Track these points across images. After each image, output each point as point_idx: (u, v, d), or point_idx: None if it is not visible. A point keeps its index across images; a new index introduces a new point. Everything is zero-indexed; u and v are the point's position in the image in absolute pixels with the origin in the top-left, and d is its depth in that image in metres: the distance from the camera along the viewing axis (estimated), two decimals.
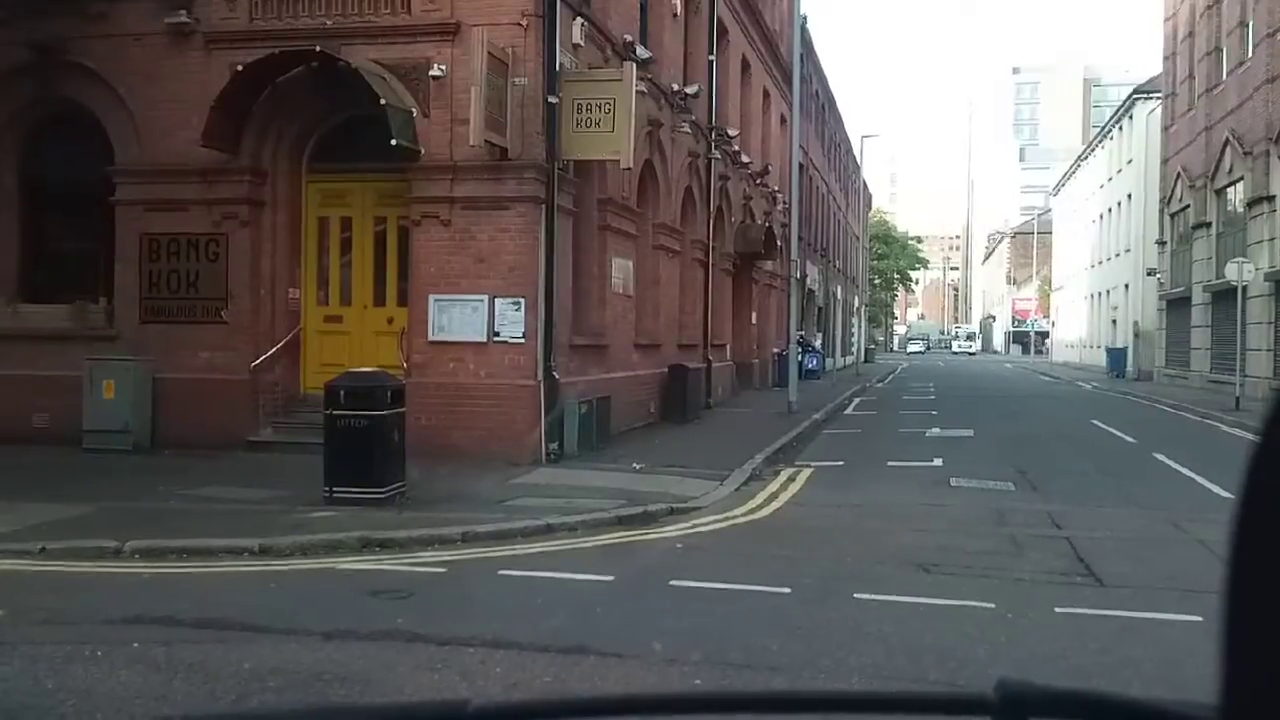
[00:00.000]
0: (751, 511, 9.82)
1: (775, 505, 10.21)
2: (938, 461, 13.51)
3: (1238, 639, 0.61)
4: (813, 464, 13.22)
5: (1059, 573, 7.48)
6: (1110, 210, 45.53)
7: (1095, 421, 19.75)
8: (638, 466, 12.13)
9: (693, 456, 12.98)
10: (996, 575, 7.37)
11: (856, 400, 25.86)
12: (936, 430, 17.67)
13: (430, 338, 12.59)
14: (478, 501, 9.61)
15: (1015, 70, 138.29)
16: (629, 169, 14.48)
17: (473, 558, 7.58)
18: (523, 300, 12.46)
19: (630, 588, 6.79)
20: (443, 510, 9.14)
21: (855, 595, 6.54)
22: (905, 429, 18.19)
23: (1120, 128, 44.23)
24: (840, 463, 13.56)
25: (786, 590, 6.66)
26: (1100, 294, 47.50)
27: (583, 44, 13.65)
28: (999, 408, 23.83)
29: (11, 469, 10.87)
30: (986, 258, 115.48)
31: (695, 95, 18.73)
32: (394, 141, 11.85)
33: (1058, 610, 6.31)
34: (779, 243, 26.70)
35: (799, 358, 27.69)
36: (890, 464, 13.37)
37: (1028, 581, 7.23)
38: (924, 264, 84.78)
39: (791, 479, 11.92)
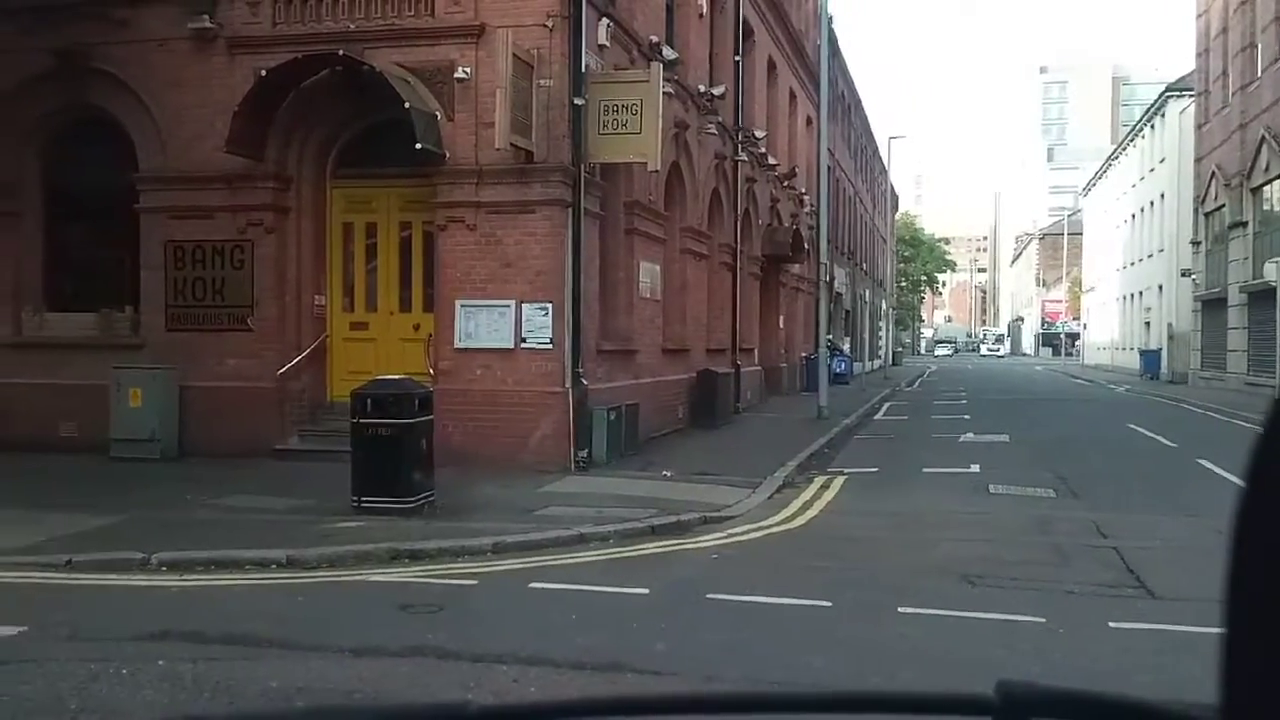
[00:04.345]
0: (786, 520, 9.59)
1: (810, 514, 9.97)
2: (974, 467, 13.21)
3: (1238, 639, 0.61)
4: (846, 471, 12.96)
5: (1108, 584, 7.21)
6: (1142, 210, 44.90)
7: (1132, 425, 19.35)
8: (668, 474, 11.93)
9: (723, 463, 12.76)
10: (1044, 587, 7.11)
11: (887, 405, 25.53)
12: (971, 435, 17.34)
13: (457, 344, 12.45)
14: (507, 511, 9.44)
15: (1043, 70, 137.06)
16: (656, 171, 14.28)
17: (504, 569, 7.40)
18: (550, 305, 12.29)
19: (666, 601, 6.59)
20: (472, 520, 8.98)
21: (899, 609, 6.30)
22: (938, 434, 17.88)
23: (1152, 126, 43.61)
24: (874, 469, 13.29)
25: (827, 604, 6.44)
26: (1133, 295, 46.83)
27: (608, 45, 13.48)
28: (1033, 411, 23.43)
29: (39, 478, 10.81)
30: (1015, 259, 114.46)
31: (721, 96, 18.52)
32: (419, 145, 11.72)
33: (1112, 625, 6.05)
34: (806, 245, 26.41)
35: (828, 362, 27.48)
36: (926, 470, 13.10)
37: (1076, 594, 6.97)
38: (951, 266, 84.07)
39: (825, 486, 11.68)
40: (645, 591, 6.74)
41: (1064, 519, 9.74)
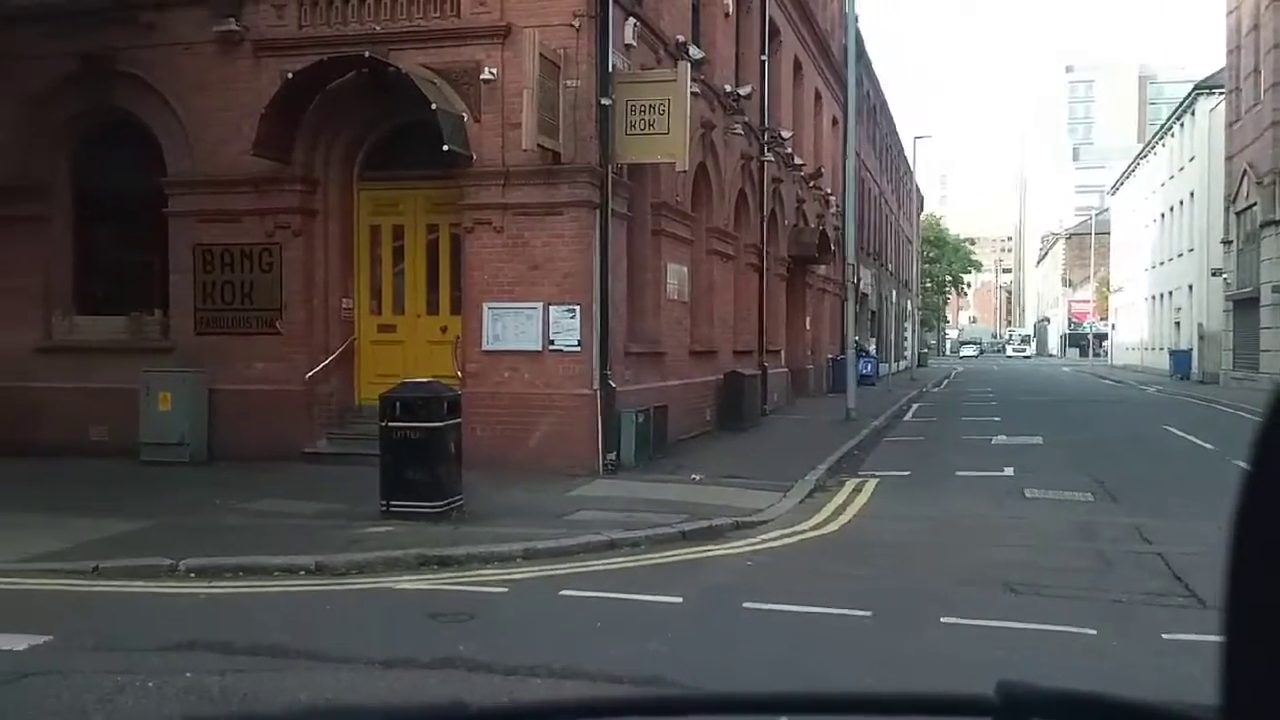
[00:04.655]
0: (819, 525, 9.42)
1: (843, 519, 9.79)
2: (1008, 470, 12.98)
3: (1238, 639, 0.60)
4: (877, 474, 12.76)
5: (1156, 593, 6.99)
6: (1171, 209, 44.30)
7: (1168, 427, 19.01)
8: (697, 478, 11.78)
9: (753, 466, 12.59)
10: (1090, 596, 6.91)
11: (915, 406, 25.26)
12: (1003, 437, 17.07)
13: (484, 347, 12.35)
14: (536, 515, 9.32)
15: (1068, 69, 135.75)
16: (684, 171, 14.13)
17: (534, 576, 7.27)
18: (578, 308, 12.17)
19: (701, 610, 6.43)
20: (501, 524, 8.86)
21: (942, 619, 6.11)
22: (969, 436, 17.62)
23: (1181, 125, 43.03)
24: (906, 472, 13.08)
25: (867, 614, 6.27)
26: (1162, 295, 46.22)
27: (635, 45, 13.34)
28: (1064, 413, 23.08)
29: (68, 482, 10.80)
30: (1041, 259, 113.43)
31: (748, 96, 18.35)
32: (445, 147, 11.64)
33: (1165, 637, 5.84)
34: (833, 246, 26.18)
35: (857, 363, 27.21)
36: (959, 473, 12.87)
37: (1124, 603, 6.76)
38: (976, 266, 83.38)
39: (857, 490, 11.49)
40: (679, 600, 6.59)
41: (1104, 524, 9.52)
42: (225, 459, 12.20)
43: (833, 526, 9.42)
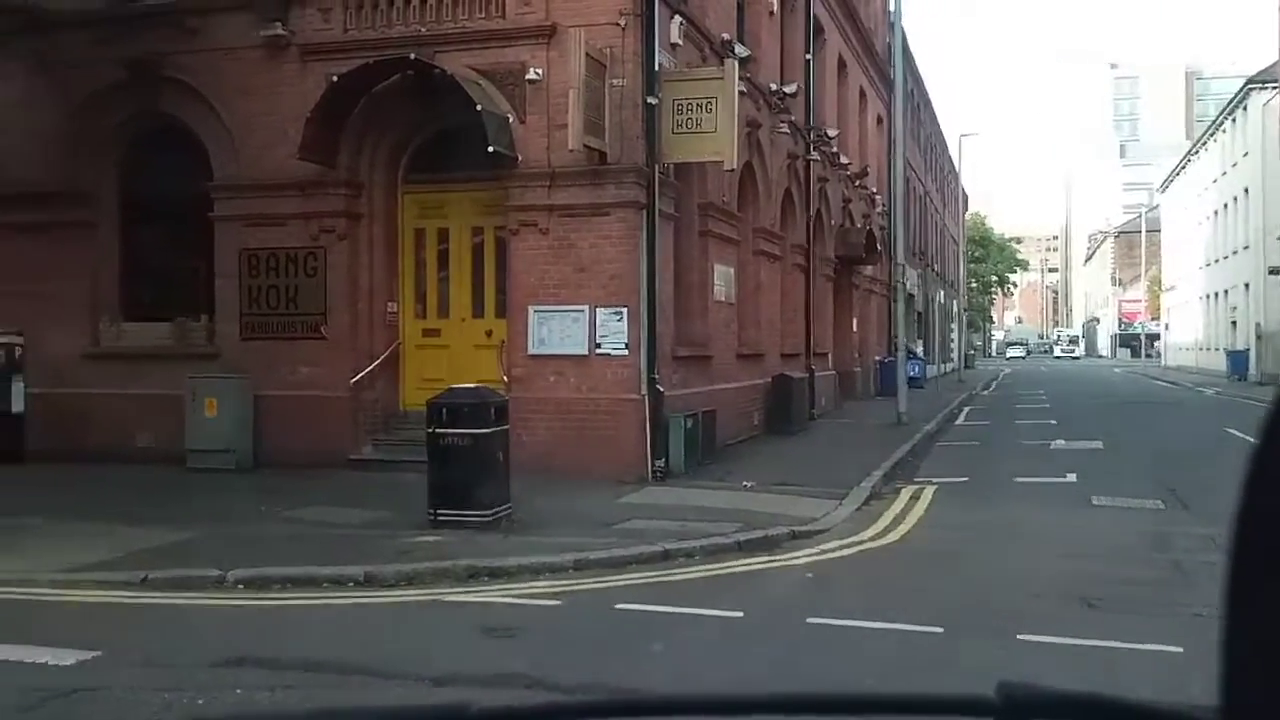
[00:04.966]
0: (879, 535, 9.11)
1: (903, 528, 9.47)
2: (1071, 477, 12.56)
3: (1238, 639, 0.61)
4: (934, 480, 12.38)
5: None
6: (1225, 206, 43.23)
7: (1232, 430, 18.36)
8: (748, 484, 11.50)
9: (805, 473, 12.29)
10: (1171, 611, 6.55)
11: (966, 409, 24.77)
12: (1061, 442, 16.59)
13: (530, 351, 12.18)
14: (585, 523, 9.10)
15: (1113, 66, 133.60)
16: (732, 170, 13.87)
17: (587, 588, 7.05)
18: (625, 310, 11.95)
19: (763, 626, 6.17)
20: (550, 534, 8.66)
21: (1019, 636, 5.80)
22: (1026, 440, 17.16)
23: (1233, 120, 42.01)
24: (964, 479, 12.70)
25: (938, 630, 5.97)
26: (1217, 294, 45.09)
27: (681, 43, 13.10)
28: (1122, 416, 22.47)
29: (116, 489, 10.77)
30: (1088, 258, 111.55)
31: (794, 95, 18.03)
32: (491, 148, 11.48)
33: None
34: (879, 246, 25.76)
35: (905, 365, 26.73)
36: (1019, 480, 12.47)
37: (1206, 617, 6.37)
38: (1022, 266, 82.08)
39: (915, 498, 11.14)
40: (740, 615, 6.33)
41: (1178, 533, 9.11)
42: (270, 465, 12.12)
43: (893, 536, 9.10)
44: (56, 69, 13.11)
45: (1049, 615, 6.37)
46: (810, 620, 6.16)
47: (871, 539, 8.92)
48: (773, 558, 8.14)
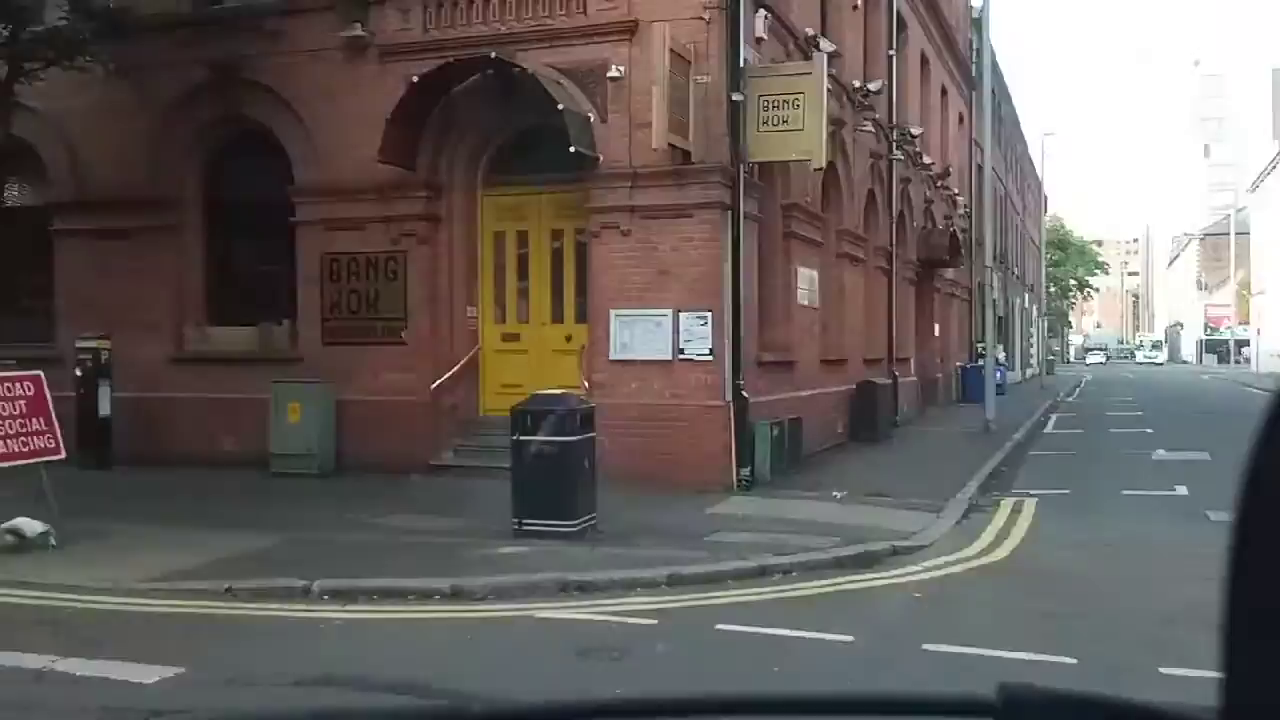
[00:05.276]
0: (984, 552, 8.60)
1: (1010, 544, 8.94)
2: (1180, 490, 11.87)
3: (1238, 640, 0.60)
4: (1033, 493, 11.77)
5: None
6: None
7: None
8: (839, 495, 11.05)
9: (895, 483, 11.79)
10: None
11: (1054, 417, 23.90)
12: (1162, 452, 15.78)
13: (611, 356, 11.87)
14: (674, 535, 8.75)
15: (1196, 63, 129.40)
16: (821, 169, 13.42)
17: (683, 606, 6.69)
18: (709, 314, 11.59)
19: (878, 653, 5.74)
20: (638, 546, 8.33)
21: (1160, 669, 5.29)
22: (1124, 450, 16.37)
23: None
24: (1065, 491, 12.07)
25: (1071, 661, 5.49)
26: None
27: (765, 38, 12.71)
28: (1223, 426, 21.23)
29: (200, 495, 10.72)
30: (1172, 261, 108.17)
31: (879, 92, 17.51)
32: (572, 148, 11.22)
33: None
34: (961, 249, 25.01)
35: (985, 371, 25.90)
36: (1125, 493, 11.81)
37: None
38: (1103, 269, 79.62)
39: (1016, 511, 10.58)
40: (850, 639, 5.91)
41: None
42: (351, 470, 11.99)
43: (1000, 553, 8.58)
44: (140, 74, 13.17)
45: (1186, 645, 5.81)
46: (927, 647, 5.73)
47: (977, 556, 8.42)
48: (875, 575, 7.70)
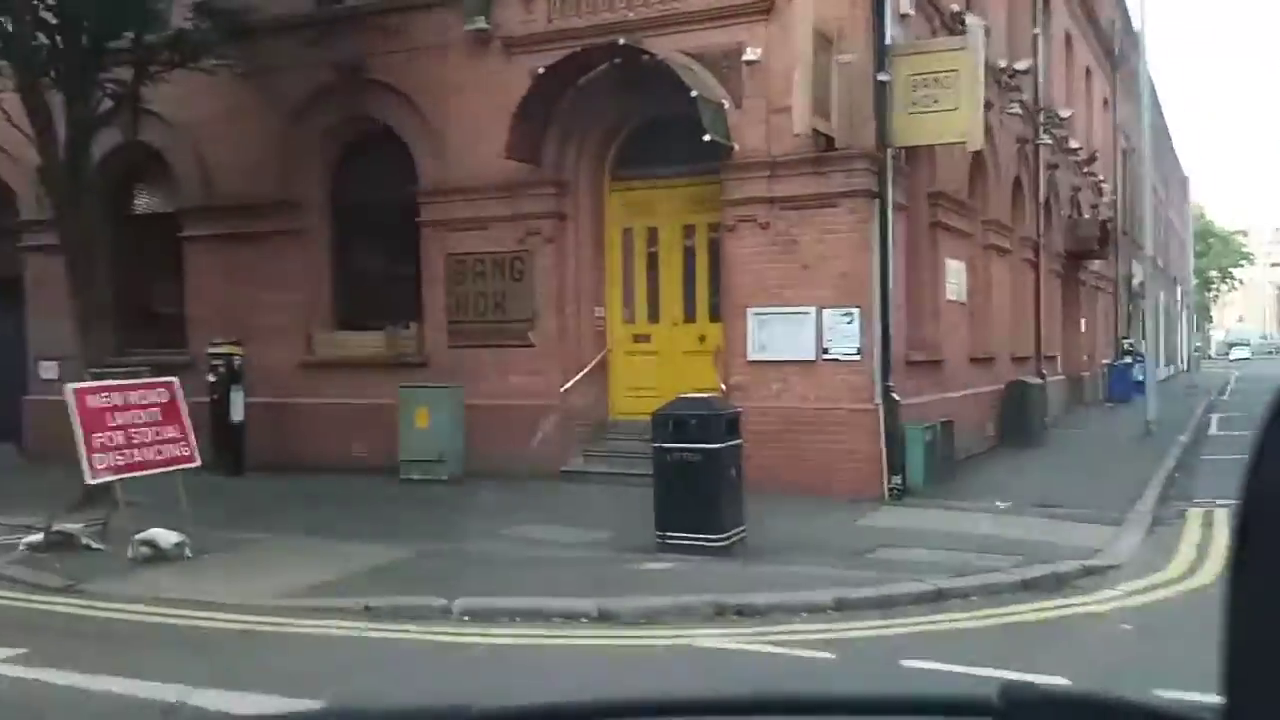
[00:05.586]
0: (1188, 573, 7.61)
1: (1214, 564, 7.86)
2: None
3: (1239, 640, 0.60)
4: (1220, 503, 10.57)
5: None
6: None
7: None
8: (1001, 506, 10.14)
9: (1061, 491, 10.81)
10: None
11: (1214, 417, 22.16)
12: None
13: (749, 356, 11.19)
14: (829, 551, 8.03)
15: None
16: (980, 150, 12.49)
17: (858, 636, 5.98)
18: (855, 311, 10.80)
19: None
20: (792, 562, 7.65)
21: None
22: None
23: None
24: None
25: None
26: None
27: (911, 13, 11.85)
28: None
29: (330, 502, 10.50)
30: None
31: (1026, 72, 16.35)
32: (707, 137, 10.59)
33: None
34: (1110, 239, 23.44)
35: (1132, 369, 24.24)
36: None
37: None
38: (1249, 260, 75.00)
39: (1208, 524, 9.49)
40: (1065, 684, 5.09)
41: None
42: (480, 476, 11.57)
43: (1205, 575, 7.55)
44: (262, 77, 13.08)
45: None
46: (1159, 694, 4.87)
47: (1181, 578, 7.45)
48: (1068, 601, 6.83)
